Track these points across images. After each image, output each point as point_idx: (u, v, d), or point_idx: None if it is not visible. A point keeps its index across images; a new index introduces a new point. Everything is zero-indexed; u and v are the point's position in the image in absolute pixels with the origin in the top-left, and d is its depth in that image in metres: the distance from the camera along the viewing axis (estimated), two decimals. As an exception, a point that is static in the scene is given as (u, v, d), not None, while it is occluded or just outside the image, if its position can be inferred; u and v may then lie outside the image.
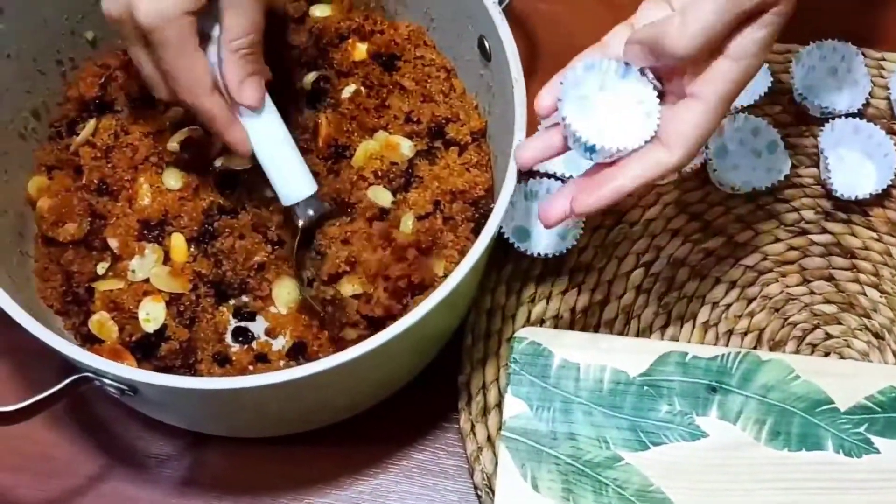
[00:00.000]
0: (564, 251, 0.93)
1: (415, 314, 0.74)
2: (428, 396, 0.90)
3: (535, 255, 0.92)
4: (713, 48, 0.71)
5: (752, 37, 0.71)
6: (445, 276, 0.78)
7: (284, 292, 0.90)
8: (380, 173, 0.91)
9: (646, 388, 0.87)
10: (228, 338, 0.89)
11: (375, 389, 0.87)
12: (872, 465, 0.84)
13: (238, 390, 0.73)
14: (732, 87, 0.72)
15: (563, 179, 0.95)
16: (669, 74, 0.74)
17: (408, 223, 0.89)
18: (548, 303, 0.93)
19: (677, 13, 0.71)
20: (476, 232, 0.77)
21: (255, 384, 0.72)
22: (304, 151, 0.92)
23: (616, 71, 0.74)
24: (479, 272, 0.89)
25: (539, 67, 1.01)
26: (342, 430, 0.88)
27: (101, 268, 0.89)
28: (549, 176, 0.95)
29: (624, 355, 0.88)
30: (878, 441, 0.85)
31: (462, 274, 0.75)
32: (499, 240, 0.92)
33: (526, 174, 0.95)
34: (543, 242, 0.94)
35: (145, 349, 0.86)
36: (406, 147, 0.92)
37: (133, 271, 0.88)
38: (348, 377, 0.80)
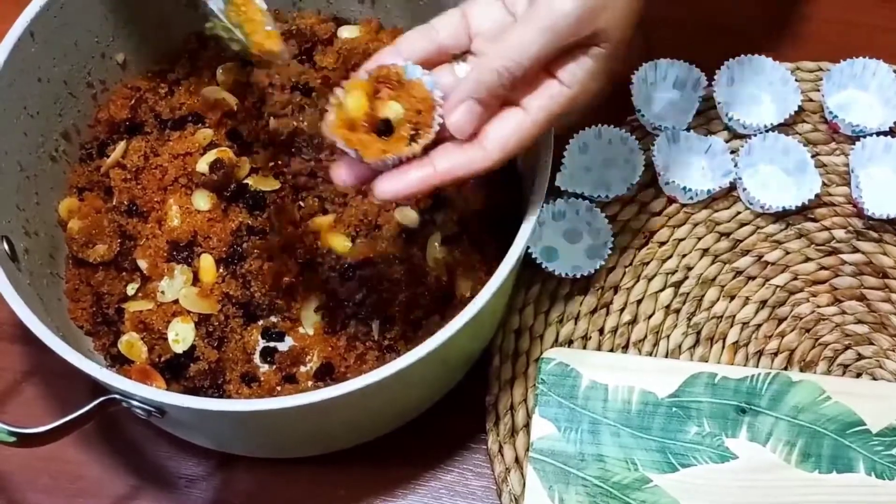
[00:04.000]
0: (593, 271, 0.92)
1: (440, 336, 0.74)
2: (456, 417, 0.90)
3: (564, 275, 0.92)
4: (535, 70, 0.71)
5: (581, 66, 0.72)
6: (472, 296, 0.78)
7: (312, 313, 0.90)
8: (407, 194, 0.91)
9: (674, 409, 0.86)
10: (257, 358, 0.89)
11: (402, 410, 0.87)
12: (903, 487, 0.83)
13: (264, 412, 0.73)
14: (559, 108, 0.72)
15: (591, 199, 0.95)
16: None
17: (435, 244, 0.89)
18: (576, 323, 0.93)
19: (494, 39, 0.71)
20: (503, 252, 0.77)
21: (281, 406, 0.72)
22: (332, 172, 0.93)
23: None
24: (507, 293, 0.89)
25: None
26: (370, 451, 0.88)
27: (131, 289, 0.89)
28: (577, 196, 0.95)
29: (652, 376, 0.88)
30: (910, 463, 0.84)
31: (488, 295, 0.75)
32: (527, 259, 0.92)
33: (554, 194, 0.95)
34: (571, 263, 0.93)
35: (174, 370, 0.87)
36: (433, 167, 0.91)
37: (162, 292, 0.88)
38: (374, 398, 0.80)
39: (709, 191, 0.95)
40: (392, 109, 0.71)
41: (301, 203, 0.93)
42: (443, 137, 0.73)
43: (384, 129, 0.71)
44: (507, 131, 0.72)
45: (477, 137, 0.73)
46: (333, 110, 0.71)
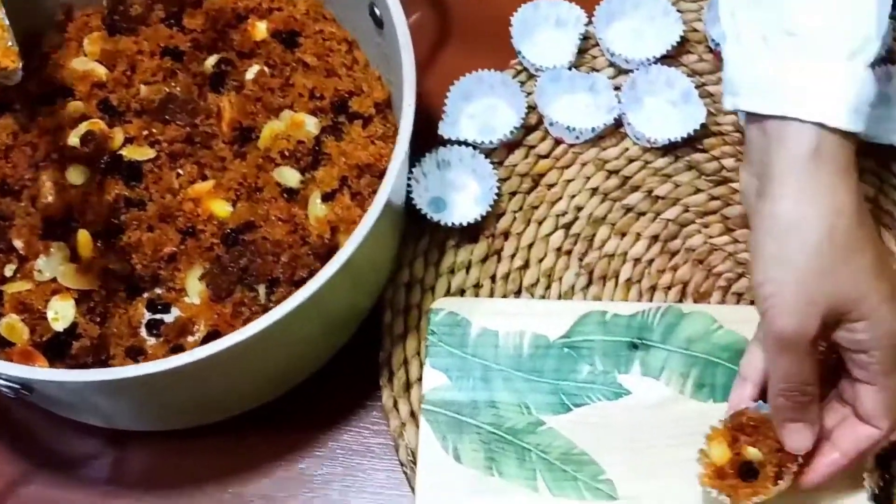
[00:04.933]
0: (480, 218, 0.91)
1: (309, 288, 0.73)
2: (350, 375, 0.89)
3: (451, 224, 0.90)
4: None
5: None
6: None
7: (197, 282, 0.88)
8: (287, 153, 0.89)
9: (566, 350, 0.85)
10: (143, 331, 0.87)
11: (292, 371, 0.86)
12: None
13: (128, 380, 0.71)
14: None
15: (474, 146, 0.93)
16: None
17: (316, 202, 0.87)
18: (467, 272, 0.91)
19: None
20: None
21: (141, 373, 0.71)
22: (208, 137, 0.91)
23: None
24: (386, 244, 0.87)
25: (453, 33, 1.00)
26: (265, 415, 0.87)
27: (9, 270, 0.87)
28: (461, 143, 0.93)
29: (543, 319, 0.86)
30: (804, 386, 0.83)
31: (354, 245, 0.74)
32: (414, 212, 0.91)
33: (438, 143, 0.93)
34: (459, 212, 0.92)
35: (57, 349, 0.85)
36: (311, 124, 0.90)
37: (40, 271, 0.86)
38: (259, 358, 0.79)
39: (593, 128, 0.93)
40: (752, 454, 0.76)
41: (179, 171, 0.91)
42: None
43: (747, 470, 0.76)
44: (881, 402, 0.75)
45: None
46: (702, 462, 0.77)
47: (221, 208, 0.89)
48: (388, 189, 0.76)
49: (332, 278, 0.74)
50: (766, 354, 0.74)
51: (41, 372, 0.71)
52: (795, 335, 0.71)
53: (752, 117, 0.74)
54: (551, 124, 0.94)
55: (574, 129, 0.93)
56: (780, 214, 0.71)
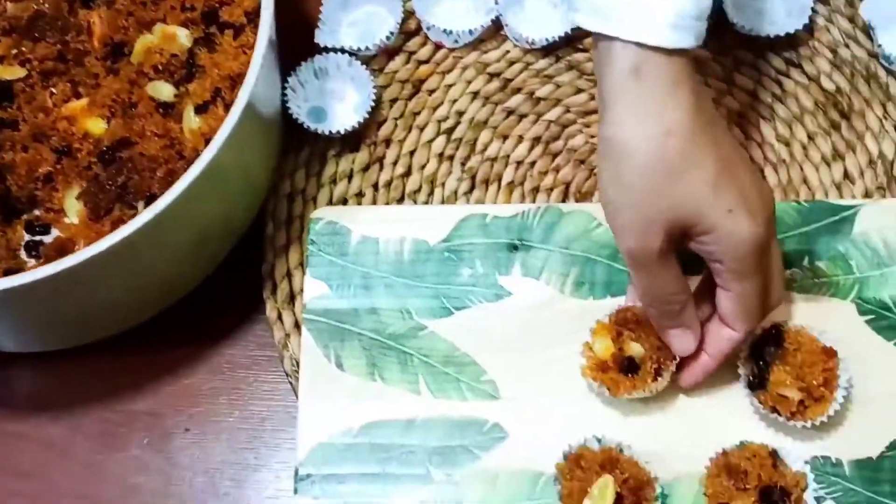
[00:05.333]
0: (357, 125, 0.90)
1: (169, 195, 0.72)
2: (233, 290, 0.88)
3: (329, 133, 0.90)
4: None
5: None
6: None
7: (75, 202, 0.86)
8: (160, 67, 0.88)
9: (446, 254, 0.85)
10: (23, 254, 0.86)
11: (170, 286, 0.85)
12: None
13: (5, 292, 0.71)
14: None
15: (353, 53, 0.92)
16: None
17: (190, 115, 0.86)
18: (349, 181, 0.91)
19: None
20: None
21: (7, 286, 0.70)
22: (80, 53, 0.89)
23: None
24: (259, 154, 0.86)
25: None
26: (147, 334, 0.86)
27: None
28: (336, 51, 0.92)
29: (423, 224, 0.86)
30: (682, 279, 0.83)
31: (213, 151, 0.73)
32: (292, 123, 0.90)
33: (315, 51, 0.92)
34: (339, 120, 0.91)
35: (-67, 276, 0.83)
36: (183, 37, 0.88)
37: (-89, 196, 0.85)
38: (130, 270, 0.78)
39: (471, 31, 0.93)
40: (634, 350, 0.77)
41: (52, 89, 0.89)
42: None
43: (628, 365, 0.78)
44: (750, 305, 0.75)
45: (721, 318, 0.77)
46: (585, 355, 0.78)
47: (96, 126, 0.87)
48: (247, 95, 0.75)
49: (194, 185, 0.73)
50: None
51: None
52: (640, 253, 0.71)
53: (594, 36, 0.72)
54: (429, 28, 0.93)
55: (452, 32, 0.92)
56: (610, 138, 0.70)
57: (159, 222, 0.73)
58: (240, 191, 0.85)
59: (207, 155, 0.73)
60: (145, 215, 0.72)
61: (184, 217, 0.74)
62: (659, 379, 0.77)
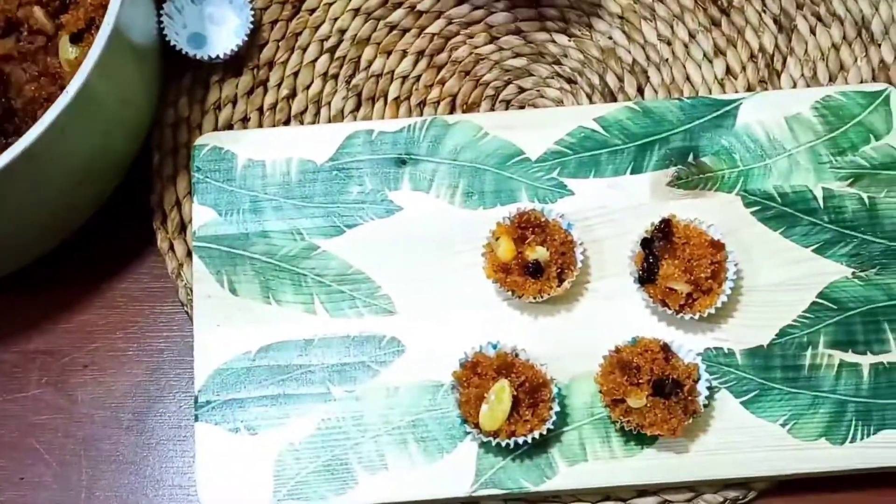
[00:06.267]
0: (236, 48, 0.89)
1: (36, 129, 0.71)
2: (123, 222, 0.87)
3: (209, 58, 0.88)
4: None
5: None
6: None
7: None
8: (33, -1, 0.86)
9: (335, 172, 0.85)
10: None
11: (55, 221, 0.83)
12: (567, 206, 0.83)
13: None
14: None
15: (228, -21, 0.91)
16: None
17: (66, 46, 0.84)
18: (234, 106, 0.90)
19: None
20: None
21: None
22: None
23: None
24: (135, 82, 0.84)
25: None
26: (37, 273, 0.85)
27: None
28: (212, -26, 0.91)
29: (309, 144, 0.86)
30: (571, 183, 0.84)
31: (81, 80, 0.72)
32: (172, 51, 0.88)
33: (189, -23, 0.90)
34: (219, 45, 0.90)
35: None
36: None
37: None
38: (8, 208, 0.76)
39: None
40: (539, 254, 0.78)
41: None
42: None
43: (535, 269, 0.78)
44: None
45: None
46: (486, 257, 0.79)
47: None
48: (112, 20, 0.74)
49: (64, 115, 0.72)
50: None
51: None
52: None
53: None
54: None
55: None
56: None
57: (33, 154, 0.72)
58: (119, 121, 0.83)
59: (75, 83, 0.72)
60: (16, 147, 0.71)
61: (60, 149, 0.73)
62: (564, 283, 0.78)
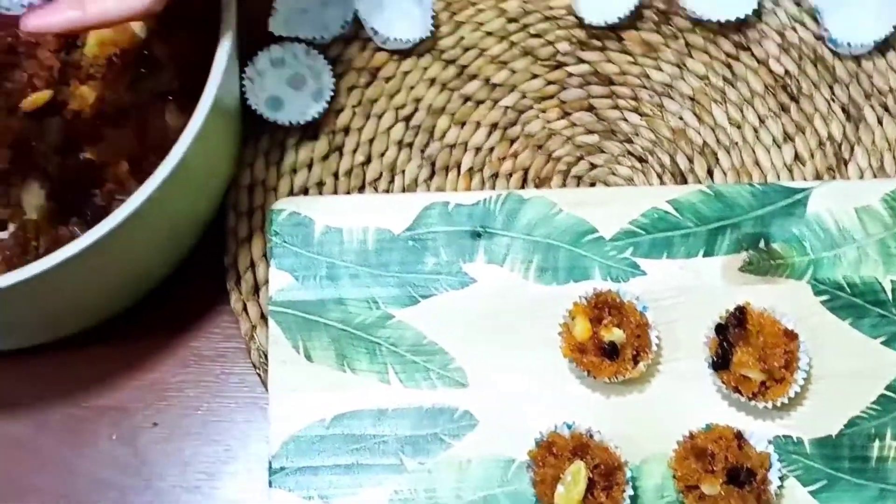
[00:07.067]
0: (317, 116, 0.90)
1: (136, 199, 0.72)
2: (197, 282, 0.88)
3: (290, 123, 0.90)
4: None
5: None
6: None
7: (32, 197, 0.86)
8: (115, 59, 0.88)
9: (411, 242, 0.86)
10: (-20, 251, 0.85)
11: (135, 282, 0.85)
12: (640, 287, 0.84)
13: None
14: None
15: (309, 42, 0.92)
16: None
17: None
18: (309, 171, 0.91)
19: None
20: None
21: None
22: (32, 46, 0.88)
23: None
24: (222, 146, 0.86)
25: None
26: (113, 328, 0.86)
27: None
28: (292, 40, 0.92)
29: (386, 213, 0.87)
30: (643, 263, 0.85)
31: (182, 150, 0.73)
32: (251, 114, 0.90)
33: (270, 41, 0.92)
34: (298, 110, 0.91)
35: None
36: (138, 28, 0.88)
37: None
38: (95, 272, 0.77)
39: (421, 38, 0.93)
40: (616, 335, 0.79)
41: (7, 83, 0.88)
42: None
43: (611, 349, 0.79)
44: None
45: None
46: (563, 335, 0.80)
47: (54, 121, 0.86)
48: (214, 90, 0.75)
49: (165, 183, 0.73)
50: None
51: None
52: None
53: None
54: (375, 33, 0.93)
55: (396, 39, 0.92)
56: None
57: (130, 222, 0.73)
58: (206, 183, 0.85)
59: (178, 151, 0.73)
60: (116, 216, 0.72)
61: (154, 215, 0.74)
62: (639, 365, 0.79)
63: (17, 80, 0.88)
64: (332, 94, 0.91)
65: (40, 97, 0.87)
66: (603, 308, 0.81)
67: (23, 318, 0.82)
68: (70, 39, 0.88)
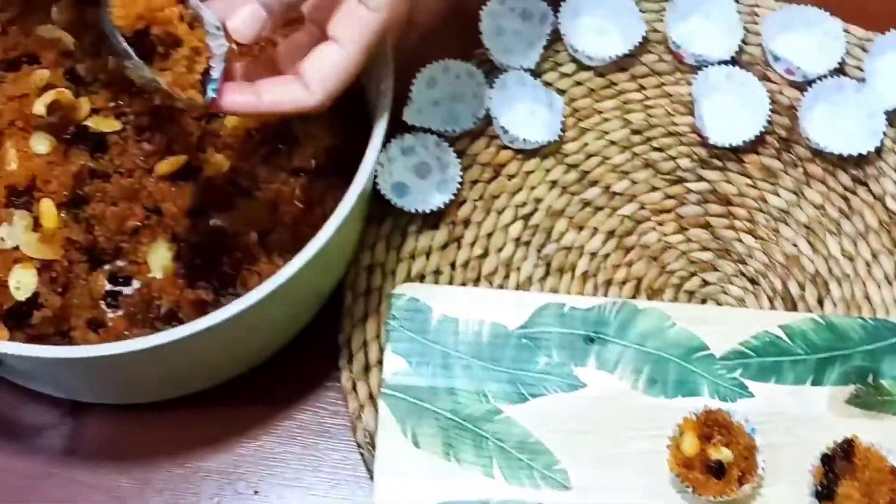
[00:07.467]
0: (443, 206, 0.92)
1: (282, 275, 0.74)
2: (309, 355, 0.90)
3: (414, 210, 0.92)
4: None
5: None
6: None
7: (159, 257, 0.88)
8: (253, 133, 0.90)
9: (524, 340, 0.87)
10: (104, 303, 0.87)
11: (253, 351, 0.86)
12: (747, 408, 0.85)
13: (102, 357, 0.72)
14: (372, 36, 0.73)
15: (440, 133, 0.95)
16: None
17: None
18: (427, 258, 0.93)
19: None
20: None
21: (118, 351, 0.72)
22: (175, 111, 0.91)
23: None
24: (354, 229, 0.88)
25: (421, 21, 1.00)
26: (223, 392, 0.87)
27: (-30, 237, 0.87)
28: (425, 130, 0.95)
29: (502, 308, 0.88)
30: (752, 385, 0.86)
31: (331, 231, 0.75)
32: (377, 196, 0.92)
33: (402, 129, 0.94)
34: (422, 198, 0.93)
35: (17, 318, 0.84)
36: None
37: (2, 239, 0.86)
38: (223, 339, 0.79)
39: (549, 142, 0.96)
40: (724, 455, 0.81)
41: (145, 144, 0.91)
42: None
43: (718, 468, 0.81)
44: (326, 69, 0.73)
45: (300, 73, 0.72)
46: (671, 449, 0.82)
47: (187, 187, 0.89)
48: (364, 178, 0.78)
49: (306, 266, 0.75)
50: None
51: (23, 348, 0.71)
52: None
53: None
54: (505, 131, 0.95)
55: (524, 139, 0.95)
56: None
57: (266, 298, 0.75)
58: (334, 262, 0.87)
59: (326, 233, 0.75)
60: (260, 291, 0.74)
61: (287, 290, 0.76)
62: (744, 487, 0.80)
63: (157, 142, 0.90)
64: (458, 187, 0.93)
65: (177, 161, 0.90)
66: (713, 426, 0.82)
67: (139, 378, 0.84)
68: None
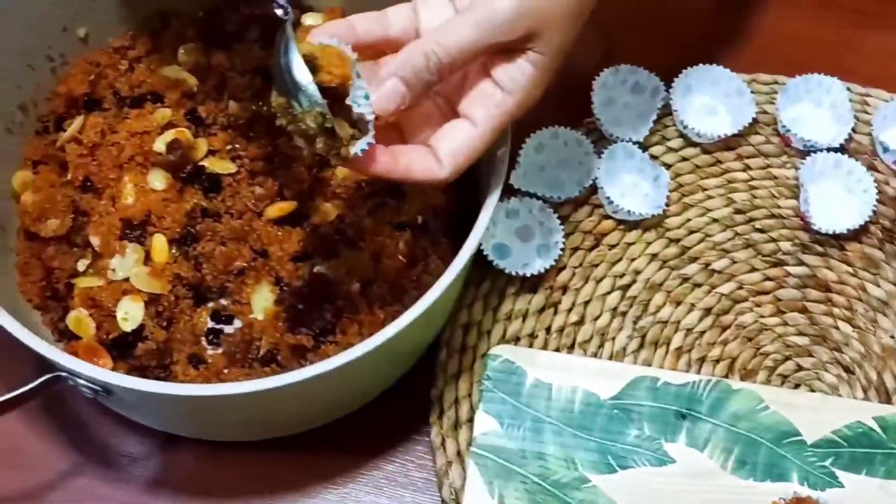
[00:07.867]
0: (543, 271, 0.93)
1: (390, 329, 0.75)
2: (400, 408, 0.91)
3: (514, 273, 0.93)
4: (467, 62, 0.74)
5: (522, 71, 0.75)
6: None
7: (262, 298, 0.90)
8: (363, 185, 0.92)
9: (616, 411, 0.88)
10: (204, 340, 0.89)
11: (349, 399, 0.88)
12: (836, 498, 0.85)
13: (208, 398, 0.74)
14: (505, 116, 0.76)
15: (544, 199, 0.96)
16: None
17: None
18: (524, 321, 0.94)
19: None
20: (456, 250, 0.79)
21: (224, 393, 0.73)
22: (288, 158, 0.93)
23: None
24: (458, 288, 0.90)
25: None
26: (314, 438, 0.89)
27: (82, 265, 0.89)
28: (531, 195, 0.96)
29: (596, 378, 0.89)
30: (842, 475, 0.86)
31: (441, 289, 0.77)
32: (478, 256, 0.93)
33: (508, 192, 0.96)
34: (522, 261, 0.94)
35: (122, 348, 0.86)
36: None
37: (113, 270, 0.88)
38: (320, 388, 0.80)
39: (652, 215, 0.96)
40: None
41: (257, 188, 0.93)
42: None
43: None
44: (458, 146, 0.75)
45: (433, 147, 0.75)
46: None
47: (296, 233, 0.91)
48: (478, 238, 0.79)
49: (412, 323, 0.76)
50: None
51: (141, 383, 0.73)
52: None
53: None
54: (609, 201, 0.96)
55: (628, 211, 0.96)
56: None
57: (373, 351, 0.76)
58: (436, 319, 0.88)
59: (436, 291, 0.77)
60: (368, 344, 0.75)
61: (387, 347, 0.77)
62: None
63: (269, 186, 0.92)
64: (560, 252, 0.94)
65: (286, 206, 0.92)
66: None
67: (234, 417, 0.85)
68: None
